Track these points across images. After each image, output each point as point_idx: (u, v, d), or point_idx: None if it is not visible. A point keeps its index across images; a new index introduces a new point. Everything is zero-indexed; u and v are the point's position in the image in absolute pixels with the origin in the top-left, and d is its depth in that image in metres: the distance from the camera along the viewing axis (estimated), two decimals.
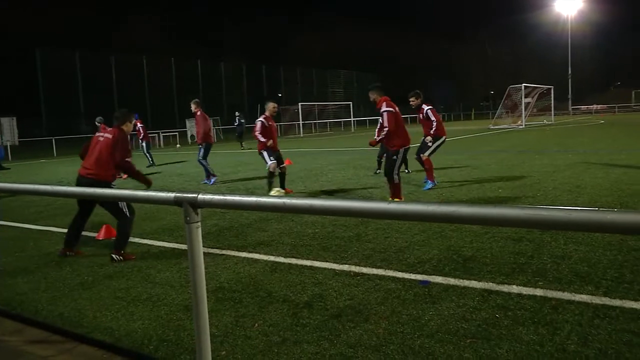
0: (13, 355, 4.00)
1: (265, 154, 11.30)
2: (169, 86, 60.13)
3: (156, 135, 41.71)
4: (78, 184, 6.45)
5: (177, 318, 4.47)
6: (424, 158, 10.94)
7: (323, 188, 11.91)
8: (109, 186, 6.41)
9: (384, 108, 8.94)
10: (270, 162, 11.16)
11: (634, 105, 68.55)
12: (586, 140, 23.31)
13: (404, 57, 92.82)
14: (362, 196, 10.45)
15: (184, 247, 6.73)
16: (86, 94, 53.49)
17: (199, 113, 14.03)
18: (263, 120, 11.42)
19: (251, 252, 6.45)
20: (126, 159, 6.64)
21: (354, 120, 58.12)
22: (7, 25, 61.94)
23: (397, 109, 9.09)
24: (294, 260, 5.97)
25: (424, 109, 11.10)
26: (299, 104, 51.55)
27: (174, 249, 6.88)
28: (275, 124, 11.73)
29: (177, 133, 44.87)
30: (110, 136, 6.68)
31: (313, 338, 3.91)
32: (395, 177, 8.95)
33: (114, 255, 6.35)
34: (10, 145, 33.42)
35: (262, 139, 11.18)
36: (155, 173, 18.03)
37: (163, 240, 7.34)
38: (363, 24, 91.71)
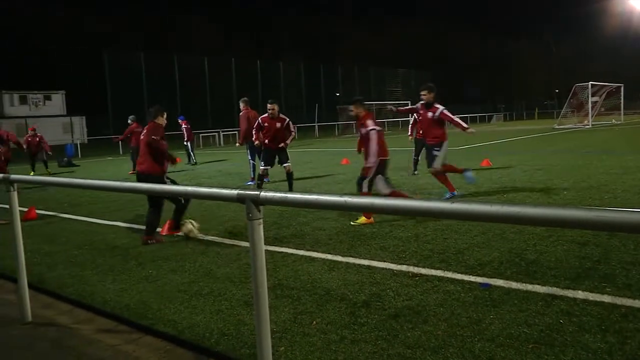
0: (85, 343, 4.19)
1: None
2: (229, 86, 61.08)
3: (216, 134, 42.46)
4: (138, 180, 7.09)
5: (237, 313, 4.56)
6: (433, 171, 9.79)
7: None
8: (161, 179, 6.95)
9: (371, 127, 8.28)
10: (261, 167, 11.59)
11: None
12: None
13: (463, 56, 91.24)
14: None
15: (243, 244, 6.86)
16: (150, 94, 55.05)
17: (242, 112, 13.96)
18: (259, 120, 11.76)
19: (309, 250, 6.50)
20: (153, 137, 7.31)
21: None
22: (76, 28, 64.48)
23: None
24: (351, 259, 5.98)
25: (437, 108, 9.62)
26: None
27: (233, 245, 7.00)
28: (274, 123, 11.32)
29: (236, 132, 45.55)
30: (145, 131, 7.49)
31: (371, 337, 3.91)
32: (365, 186, 8.22)
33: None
34: (79, 143, 34.75)
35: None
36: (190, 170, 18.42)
37: (224, 237, 7.48)
38: (423, 23, 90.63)
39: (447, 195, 9.50)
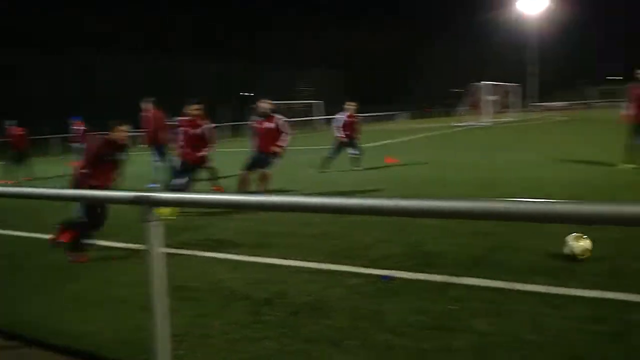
0: None
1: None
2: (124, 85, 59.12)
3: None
4: None
5: (135, 319, 4.43)
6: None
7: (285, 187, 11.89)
8: None
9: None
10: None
11: (596, 103, 70.11)
12: (549, 137, 23.79)
13: (368, 56, 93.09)
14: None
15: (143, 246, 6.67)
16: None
17: (147, 113, 13.51)
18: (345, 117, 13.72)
19: (212, 251, 6.42)
20: None
21: (322, 119, 57.90)
22: None
23: None
24: (256, 259, 5.97)
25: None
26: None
27: (133, 249, 6.80)
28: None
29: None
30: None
31: (274, 335, 3.93)
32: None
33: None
34: None
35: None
36: None
37: (122, 241, 7.23)
38: (330, 22, 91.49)
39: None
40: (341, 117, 14.50)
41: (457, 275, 4.93)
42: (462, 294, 4.46)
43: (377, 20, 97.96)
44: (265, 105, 9.98)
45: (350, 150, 14.49)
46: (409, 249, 5.94)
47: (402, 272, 5.15)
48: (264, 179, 9.74)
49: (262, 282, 5.13)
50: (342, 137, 14.34)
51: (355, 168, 14.17)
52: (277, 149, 9.75)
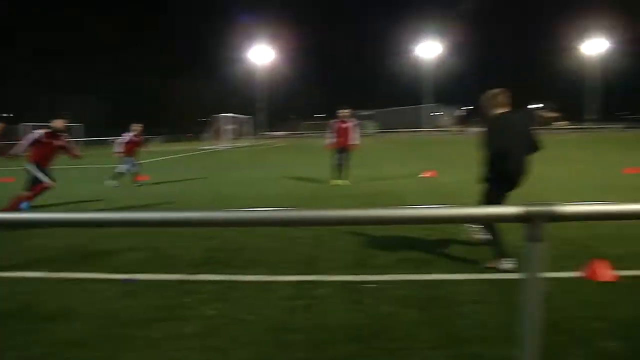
0: None
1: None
2: None
3: None
4: None
5: None
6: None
7: None
8: None
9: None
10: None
11: (305, 133, 77.65)
12: (273, 158, 25.31)
13: (125, 84, 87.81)
14: None
15: None
16: None
17: None
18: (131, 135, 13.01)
19: None
20: None
21: (83, 141, 52.84)
22: None
23: None
24: (4, 274, 5.21)
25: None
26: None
27: None
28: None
29: None
30: None
31: (14, 344, 3.49)
32: None
33: None
34: None
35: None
36: None
37: None
38: (90, 49, 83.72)
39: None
40: (127, 135, 13.58)
41: (189, 273, 4.97)
42: (195, 288, 4.51)
43: (136, 54, 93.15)
44: (59, 124, 8.65)
45: (123, 166, 13.54)
46: (151, 253, 5.79)
47: (143, 274, 5.00)
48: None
49: (10, 294, 4.51)
50: (121, 152, 13.42)
51: (111, 181, 13.44)
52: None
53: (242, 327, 3.64)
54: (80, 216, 2.28)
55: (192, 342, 3.42)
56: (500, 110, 4.99)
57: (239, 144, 45.37)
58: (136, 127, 13.78)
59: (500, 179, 4.92)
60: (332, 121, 12.41)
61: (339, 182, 12.14)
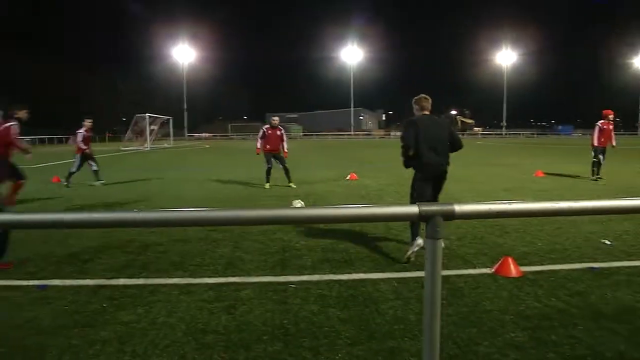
0: None
1: None
2: None
3: None
4: None
5: None
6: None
7: None
8: None
9: None
10: None
11: (231, 135, 76.76)
12: (198, 160, 24.79)
13: (37, 84, 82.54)
14: None
15: None
16: None
17: None
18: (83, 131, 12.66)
19: None
20: None
21: None
22: None
23: None
24: None
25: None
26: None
27: None
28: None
29: None
30: None
31: None
32: None
33: None
34: None
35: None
36: None
37: None
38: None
39: None
40: (81, 132, 12.97)
41: (108, 277, 4.81)
42: (112, 293, 4.37)
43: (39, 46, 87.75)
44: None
45: (92, 163, 13.21)
46: (68, 259, 5.52)
47: (58, 280, 4.78)
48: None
49: None
50: (85, 149, 12.97)
51: (97, 182, 13.12)
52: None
53: (164, 331, 3.58)
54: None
55: (109, 348, 3.32)
56: (423, 113, 5.73)
57: (163, 144, 44.01)
58: (88, 122, 13.07)
59: (426, 172, 5.57)
60: (264, 127, 12.30)
61: (267, 185, 12.07)
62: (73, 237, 6.46)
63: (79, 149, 13.04)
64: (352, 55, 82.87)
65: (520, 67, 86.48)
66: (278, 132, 12.15)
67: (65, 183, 12.67)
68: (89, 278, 4.80)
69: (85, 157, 13.11)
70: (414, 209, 1.89)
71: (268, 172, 12.16)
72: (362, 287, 4.53)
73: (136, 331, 3.57)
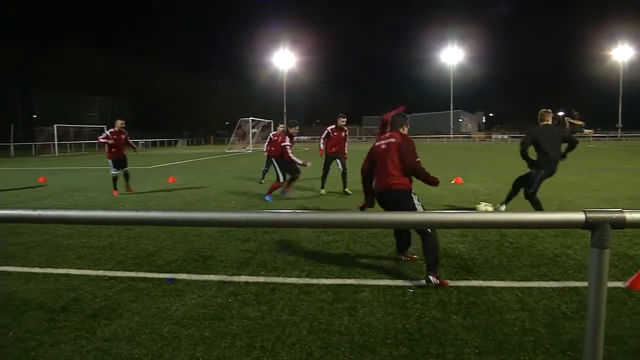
0: None
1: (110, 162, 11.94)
2: None
3: None
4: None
5: None
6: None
7: (77, 203, 10.83)
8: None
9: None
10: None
11: None
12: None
13: (154, 89, 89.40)
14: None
15: None
16: None
17: None
18: (108, 133, 11.96)
19: (3, 265, 5.60)
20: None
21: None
22: None
23: None
24: (49, 270, 5.36)
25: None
26: (55, 125, 45.83)
27: None
28: (121, 137, 12.05)
29: None
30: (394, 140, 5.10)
31: (70, 338, 3.59)
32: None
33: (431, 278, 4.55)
34: None
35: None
36: None
37: None
38: (115, 56, 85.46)
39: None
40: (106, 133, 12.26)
41: (230, 274, 5.04)
42: (236, 289, 4.56)
43: (159, 57, 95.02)
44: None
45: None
46: (191, 254, 5.87)
47: (185, 274, 5.09)
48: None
49: (56, 291, 4.62)
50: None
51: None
52: None
53: (288, 329, 3.67)
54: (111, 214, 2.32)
55: (239, 342, 3.46)
56: (544, 123, 7.62)
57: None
58: (120, 123, 12.15)
59: (548, 169, 7.52)
60: (329, 127, 11.76)
61: (322, 191, 11.54)
62: (193, 233, 6.86)
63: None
64: (451, 56, 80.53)
65: (637, 64, 79.05)
66: (343, 134, 11.64)
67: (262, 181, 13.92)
68: (212, 274, 5.07)
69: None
70: (579, 216, 1.76)
71: (325, 176, 11.64)
72: (482, 295, 4.34)
73: (262, 327, 3.69)
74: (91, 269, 5.33)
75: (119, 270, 5.29)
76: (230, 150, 40.86)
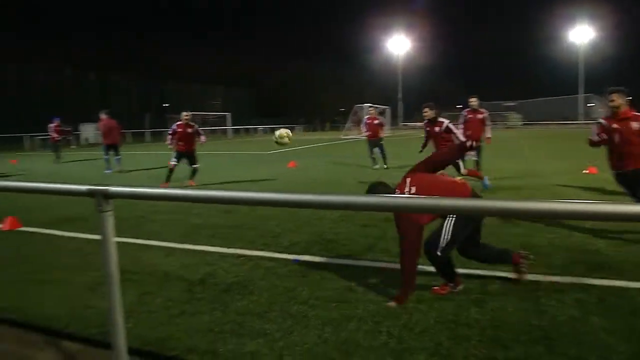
0: None
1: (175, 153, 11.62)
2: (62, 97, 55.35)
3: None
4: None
5: (83, 298, 4.20)
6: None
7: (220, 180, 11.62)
8: None
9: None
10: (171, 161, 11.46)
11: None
12: (415, 148, 24.91)
13: (271, 77, 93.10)
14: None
15: (82, 235, 6.33)
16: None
17: (103, 121, 15.80)
18: (174, 126, 11.72)
19: (147, 239, 6.18)
20: None
21: (231, 129, 57.08)
22: None
23: None
24: (186, 246, 5.82)
25: (442, 122, 9.66)
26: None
27: (74, 237, 6.40)
28: (187, 130, 11.59)
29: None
30: None
31: (207, 309, 3.87)
32: None
33: None
34: None
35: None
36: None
37: (65, 231, 6.79)
38: (235, 47, 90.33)
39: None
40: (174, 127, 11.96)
41: (353, 258, 5.08)
42: (360, 274, 4.60)
43: (275, 45, 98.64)
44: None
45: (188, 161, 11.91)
46: (314, 237, 6.03)
47: (309, 256, 5.23)
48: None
49: (194, 265, 5.01)
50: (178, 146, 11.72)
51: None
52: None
53: (414, 316, 3.62)
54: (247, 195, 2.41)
55: (365, 325, 3.48)
56: None
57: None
58: (185, 116, 11.56)
59: None
60: (464, 111, 11.06)
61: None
62: (315, 217, 7.03)
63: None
64: (580, 35, 73.27)
65: None
66: (479, 116, 10.71)
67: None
68: (335, 257, 5.16)
69: (182, 155, 11.68)
70: None
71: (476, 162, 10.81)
72: (626, 296, 3.93)
73: (388, 313, 3.67)
74: (224, 247, 5.69)
75: (248, 249, 5.58)
76: (346, 137, 41.24)
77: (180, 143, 11.59)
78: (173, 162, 11.47)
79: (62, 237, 6.49)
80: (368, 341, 3.25)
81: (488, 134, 10.90)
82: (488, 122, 10.92)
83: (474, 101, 10.79)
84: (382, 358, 3.03)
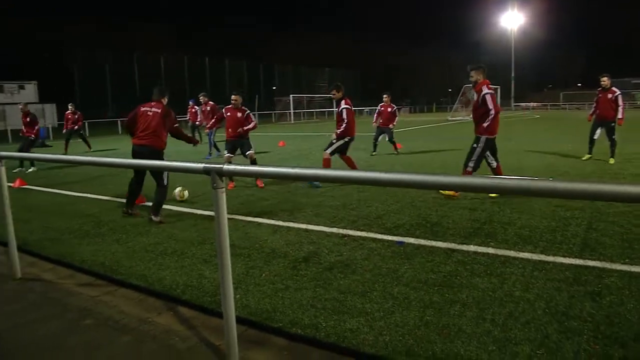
0: (68, 294, 4.04)
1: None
2: (181, 82, 59.24)
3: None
4: (135, 154, 6.46)
5: (198, 268, 4.52)
6: (324, 156, 8.84)
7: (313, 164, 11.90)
8: (161, 154, 6.56)
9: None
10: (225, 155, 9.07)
11: (562, 104, 69.63)
12: (526, 131, 23.50)
13: (376, 60, 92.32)
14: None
15: (199, 212, 6.77)
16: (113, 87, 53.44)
17: (203, 105, 14.97)
18: (223, 110, 9.35)
19: (255, 217, 6.47)
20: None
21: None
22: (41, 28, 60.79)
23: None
24: (291, 224, 6.01)
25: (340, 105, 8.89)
26: (290, 95, 50.94)
27: (190, 213, 6.88)
28: (236, 113, 8.99)
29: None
30: (160, 111, 6.60)
31: (310, 285, 3.98)
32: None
33: (153, 217, 6.35)
34: (51, 127, 32.84)
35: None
36: None
37: (183, 206, 7.34)
38: (347, 31, 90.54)
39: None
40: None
41: (458, 242, 4.94)
42: (464, 258, 4.47)
43: (384, 29, 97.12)
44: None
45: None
46: (417, 220, 5.94)
47: (413, 238, 5.17)
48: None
49: (298, 243, 5.17)
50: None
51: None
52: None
53: (517, 306, 3.44)
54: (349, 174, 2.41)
55: (468, 312, 3.38)
56: None
57: None
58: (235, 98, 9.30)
59: None
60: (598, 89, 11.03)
61: (585, 157, 11.12)
62: (419, 199, 6.92)
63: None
64: None
65: None
66: (609, 95, 10.69)
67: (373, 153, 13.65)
68: (440, 240, 5.05)
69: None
70: None
71: (592, 142, 11.09)
72: None
73: (493, 300, 3.54)
74: (327, 226, 5.81)
75: (351, 229, 5.65)
76: (454, 118, 39.86)
77: (230, 130, 9.69)
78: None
79: (183, 213, 7.00)
80: (471, 327, 3.16)
81: (619, 114, 10.61)
82: (620, 102, 10.64)
83: (605, 80, 10.72)
84: (485, 346, 2.94)
